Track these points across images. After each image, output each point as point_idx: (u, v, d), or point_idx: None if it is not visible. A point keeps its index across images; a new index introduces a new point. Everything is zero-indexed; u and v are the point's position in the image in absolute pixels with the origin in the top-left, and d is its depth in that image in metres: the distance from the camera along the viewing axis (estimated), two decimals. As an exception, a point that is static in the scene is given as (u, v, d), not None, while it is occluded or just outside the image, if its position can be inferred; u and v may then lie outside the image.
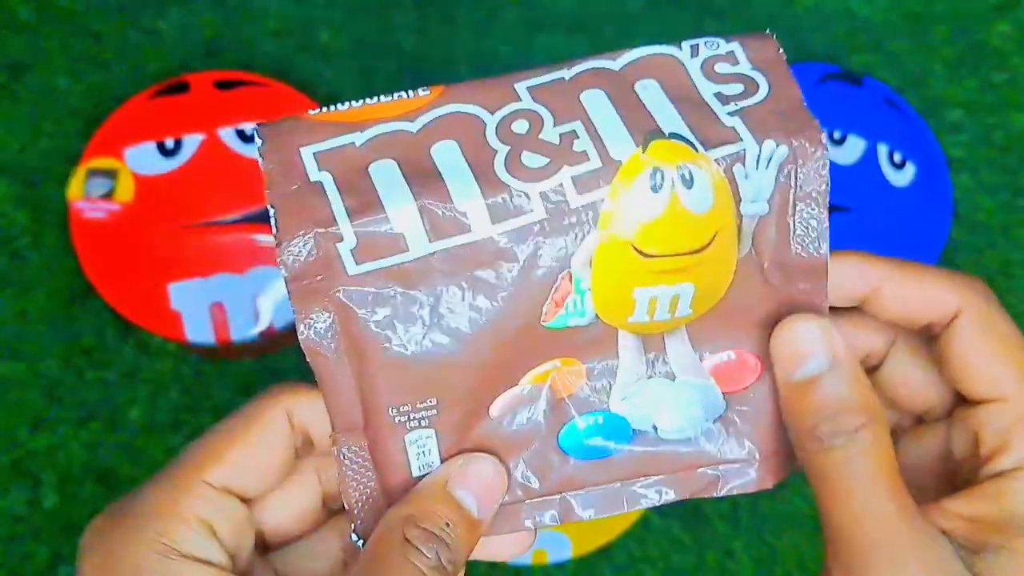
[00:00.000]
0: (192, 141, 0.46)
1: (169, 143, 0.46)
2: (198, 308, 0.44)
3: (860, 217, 0.47)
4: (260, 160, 0.24)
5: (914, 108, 0.53)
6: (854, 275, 0.25)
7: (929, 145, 0.50)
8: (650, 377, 0.26)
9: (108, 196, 0.45)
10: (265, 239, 0.45)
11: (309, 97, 0.48)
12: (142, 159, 0.45)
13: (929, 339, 0.26)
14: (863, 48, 0.57)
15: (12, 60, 0.53)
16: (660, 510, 0.48)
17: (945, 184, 0.49)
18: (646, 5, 0.56)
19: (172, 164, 0.46)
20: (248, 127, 0.46)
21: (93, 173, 0.45)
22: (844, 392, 0.23)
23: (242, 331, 0.44)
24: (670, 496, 0.26)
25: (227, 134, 0.46)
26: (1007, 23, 0.58)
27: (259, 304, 0.44)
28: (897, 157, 0.49)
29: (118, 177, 0.45)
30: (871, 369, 0.27)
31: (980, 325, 0.25)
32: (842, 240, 0.47)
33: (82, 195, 0.45)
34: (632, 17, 0.56)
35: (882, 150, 0.49)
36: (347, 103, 0.25)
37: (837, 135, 0.49)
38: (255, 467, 0.25)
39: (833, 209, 0.47)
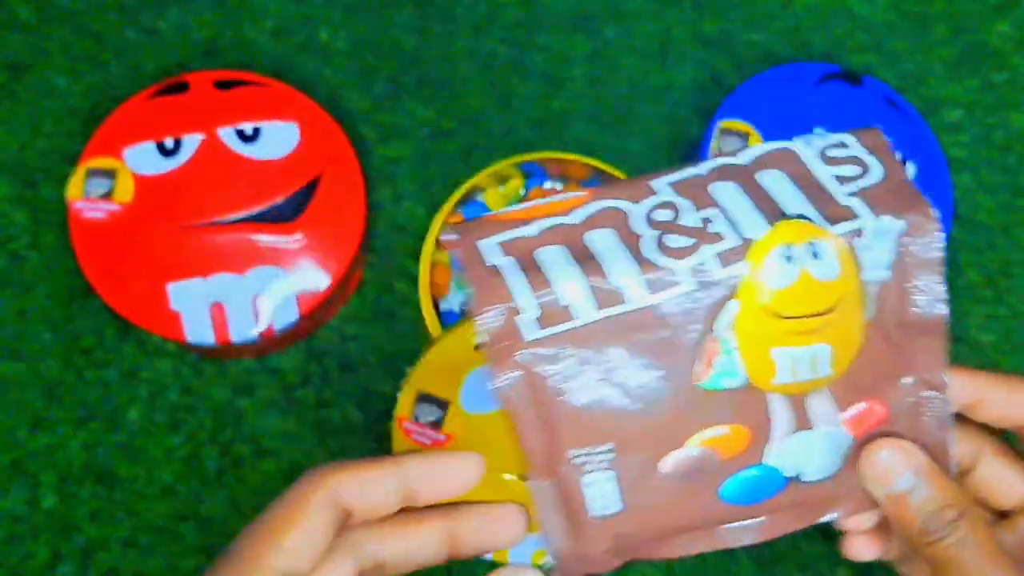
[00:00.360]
0: (192, 141, 0.46)
1: (169, 143, 0.46)
2: (198, 308, 0.44)
3: (860, 217, 0.48)
4: (456, 251, 0.29)
5: (914, 108, 0.53)
6: (961, 387, 0.31)
7: (929, 145, 0.50)
8: (795, 431, 0.30)
9: (107, 196, 0.45)
10: (265, 239, 0.45)
11: (309, 96, 0.48)
12: (141, 159, 0.45)
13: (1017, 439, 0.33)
14: (863, 48, 0.57)
15: (11, 59, 0.53)
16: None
17: (945, 184, 0.50)
18: (645, 5, 0.56)
19: (172, 164, 0.46)
20: (248, 127, 0.46)
21: (92, 173, 0.45)
22: (936, 495, 0.30)
23: (242, 331, 0.44)
24: (800, 525, 0.31)
25: (227, 134, 0.46)
26: (1007, 23, 0.58)
27: (259, 304, 0.44)
28: (897, 157, 0.49)
29: (117, 177, 0.45)
30: (963, 474, 0.33)
31: None
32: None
33: (81, 195, 0.45)
34: (631, 16, 0.56)
35: (882, 150, 0.49)
36: (515, 206, 0.31)
37: (837, 135, 0.49)
38: (308, 550, 0.27)
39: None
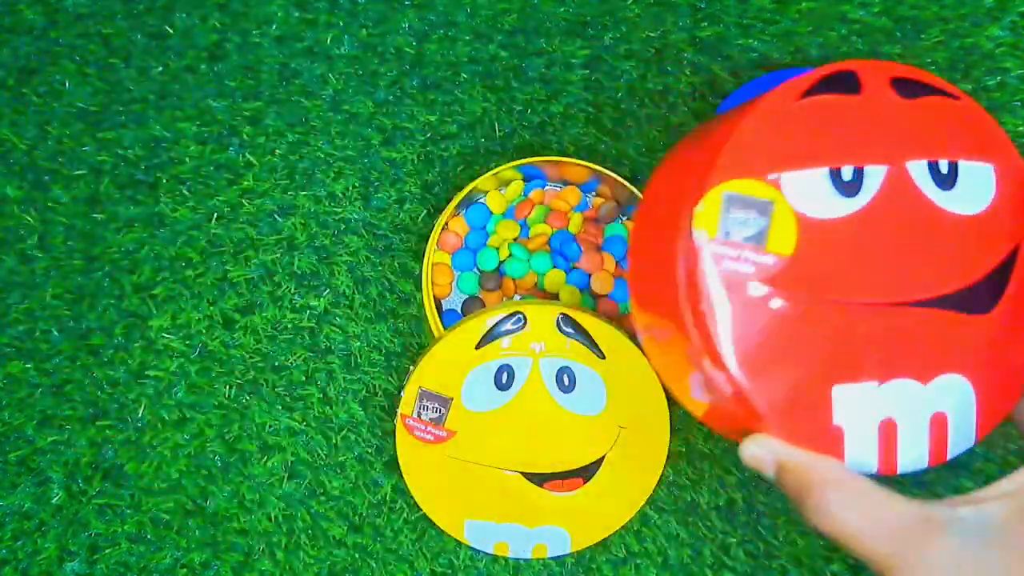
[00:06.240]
0: (875, 174, 0.32)
1: (847, 173, 0.32)
2: (865, 423, 0.31)
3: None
4: None
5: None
6: None
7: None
8: None
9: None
10: (954, 334, 0.32)
11: (314, 101, 0.48)
12: (808, 191, 0.31)
13: None
14: (857, 52, 0.57)
15: (20, 63, 0.53)
16: (656, 506, 0.49)
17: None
18: (643, 10, 0.57)
19: (850, 206, 0.31)
20: (944, 163, 0.33)
21: (734, 201, 0.30)
22: None
23: (911, 459, 0.32)
24: None
25: (918, 169, 0.32)
26: (999, 27, 0.59)
27: (935, 425, 0.32)
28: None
29: (773, 214, 0.31)
30: None
31: None
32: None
33: (716, 232, 0.30)
34: (629, 22, 0.56)
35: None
36: None
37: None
38: None
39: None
